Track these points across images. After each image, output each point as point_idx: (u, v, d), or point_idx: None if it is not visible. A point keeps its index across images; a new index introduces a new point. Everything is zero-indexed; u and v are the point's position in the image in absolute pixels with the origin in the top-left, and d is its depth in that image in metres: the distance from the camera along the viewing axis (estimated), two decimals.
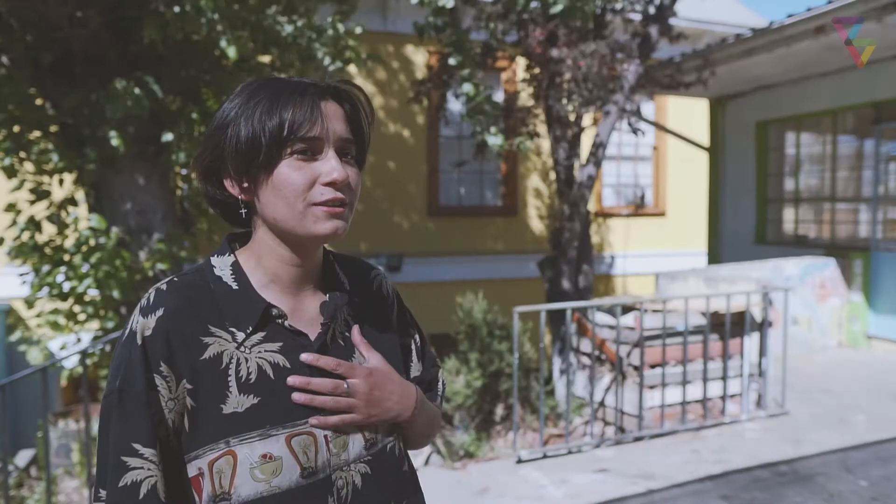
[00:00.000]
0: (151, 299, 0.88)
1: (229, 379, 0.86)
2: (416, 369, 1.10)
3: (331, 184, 0.87)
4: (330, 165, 0.87)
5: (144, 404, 0.84)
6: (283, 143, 0.85)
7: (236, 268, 0.93)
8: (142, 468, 0.83)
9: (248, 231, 0.97)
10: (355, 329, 0.97)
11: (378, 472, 0.94)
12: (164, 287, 0.89)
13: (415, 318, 1.14)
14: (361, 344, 0.96)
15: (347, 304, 0.98)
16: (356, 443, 0.92)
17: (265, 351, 0.89)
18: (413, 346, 1.10)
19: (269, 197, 0.87)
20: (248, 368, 0.87)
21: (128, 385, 0.84)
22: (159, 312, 0.86)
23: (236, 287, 0.91)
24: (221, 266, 0.93)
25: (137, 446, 0.83)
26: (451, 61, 4.71)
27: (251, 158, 0.86)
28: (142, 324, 0.86)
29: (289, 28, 4.33)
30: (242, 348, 0.88)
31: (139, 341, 0.85)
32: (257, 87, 0.89)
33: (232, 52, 3.91)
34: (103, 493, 0.85)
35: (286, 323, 0.90)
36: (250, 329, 0.88)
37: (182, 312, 0.87)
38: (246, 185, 0.89)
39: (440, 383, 1.15)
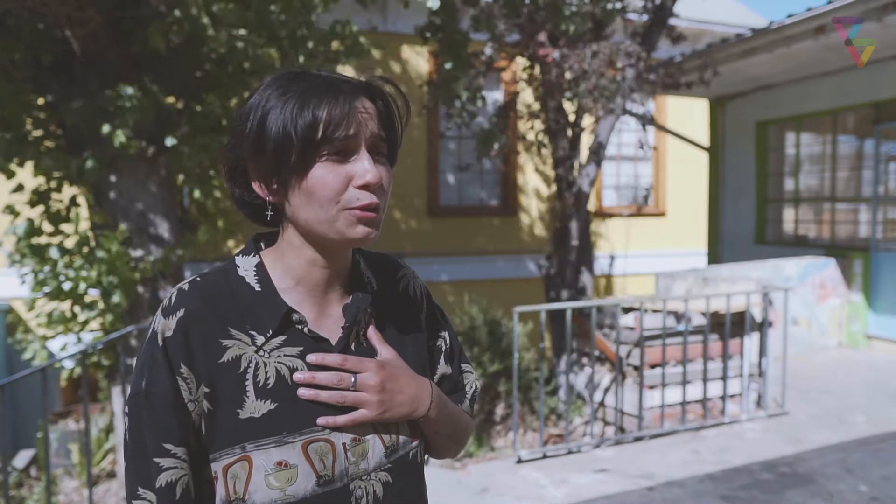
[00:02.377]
0: (173, 300, 0.86)
1: (247, 383, 0.85)
2: (442, 371, 1.06)
3: (364, 186, 0.83)
4: (363, 167, 0.83)
5: (172, 404, 0.83)
6: (317, 145, 0.82)
7: (260, 269, 0.90)
8: (175, 468, 0.83)
9: (274, 231, 0.94)
10: (371, 325, 0.95)
11: (399, 481, 0.91)
12: (186, 287, 0.88)
13: (448, 320, 1.09)
14: (375, 338, 0.93)
15: (372, 305, 0.95)
16: (376, 450, 0.89)
17: (285, 356, 0.87)
18: (443, 348, 1.06)
19: (300, 200, 0.84)
20: (266, 373, 0.85)
21: (154, 386, 0.83)
22: (180, 313, 0.85)
23: (259, 289, 0.89)
24: (245, 267, 0.91)
25: (169, 446, 0.83)
26: (448, 66, 4.71)
27: (282, 161, 0.83)
28: (163, 324, 0.85)
29: (282, 17, 4.31)
30: (262, 352, 0.86)
31: (160, 342, 0.84)
32: (288, 81, 0.85)
33: (259, 63, 3.93)
34: (142, 490, 0.83)
35: (306, 328, 0.88)
36: (270, 333, 0.86)
37: (202, 314, 0.85)
38: (275, 186, 0.86)
39: (470, 388, 1.09)
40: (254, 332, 0.86)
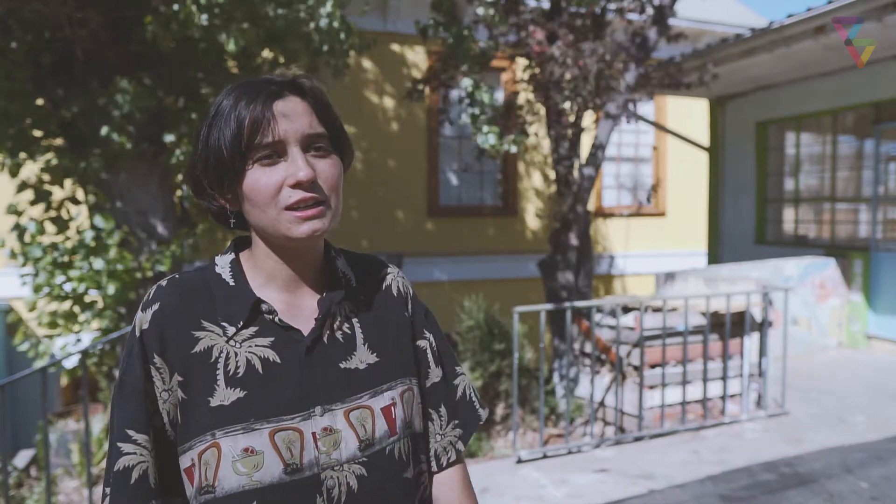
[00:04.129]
0: (151, 295, 0.91)
1: (217, 372, 0.87)
2: (435, 375, 1.05)
3: (296, 185, 0.85)
4: (295, 166, 0.85)
5: (141, 392, 0.87)
6: (243, 154, 0.85)
7: (235, 265, 0.94)
8: (134, 454, 0.86)
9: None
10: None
11: (375, 476, 0.90)
12: (164, 284, 0.92)
13: (434, 321, 1.09)
14: None
15: (351, 301, 0.97)
16: (349, 442, 0.89)
17: (255, 345, 0.89)
18: (429, 350, 1.05)
19: (245, 205, 0.89)
20: (236, 362, 0.88)
21: (127, 375, 0.88)
22: (155, 307, 0.89)
23: (232, 283, 0.92)
24: (222, 264, 0.95)
25: (131, 432, 0.86)
26: (454, 47, 4.69)
27: (221, 172, 0.87)
28: (140, 318, 0.89)
29: (287, 15, 4.30)
30: (232, 342, 0.89)
31: (137, 334, 0.89)
32: (223, 96, 0.89)
33: (231, 45, 3.90)
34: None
35: (276, 318, 0.90)
36: (241, 323, 0.89)
37: (176, 307, 0.89)
38: (228, 195, 0.90)
39: (473, 401, 1.08)
40: (225, 324, 0.90)
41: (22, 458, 5.33)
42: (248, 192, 0.86)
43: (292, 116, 0.86)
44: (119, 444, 0.86)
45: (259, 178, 0.86)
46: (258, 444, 0.85)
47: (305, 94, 0.90)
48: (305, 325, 0.92)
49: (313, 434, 0.87)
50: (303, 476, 0.86)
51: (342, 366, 0.93)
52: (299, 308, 0.94)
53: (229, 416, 0.85)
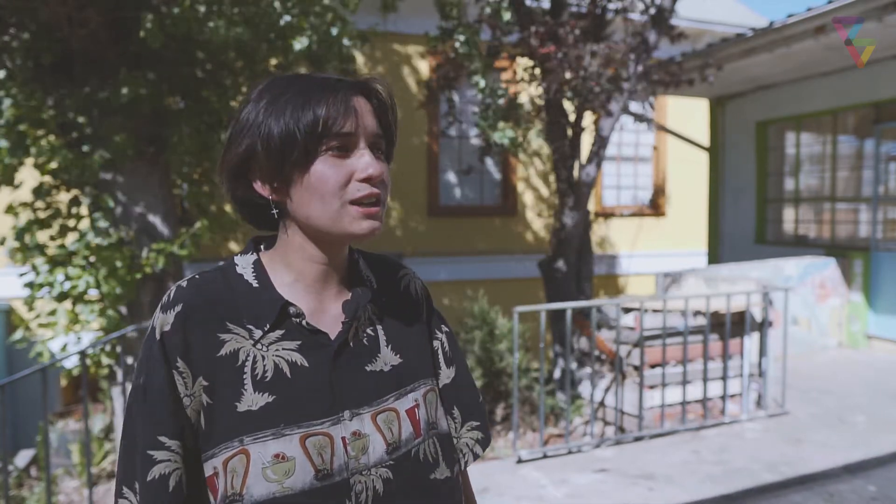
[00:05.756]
0: (172, 296, 0.87)
1: (245, 376, 0.85)
2: (445, 376, 1.05)
3: (367, 179, 0.85)
4: (365, 161, 0.85)
5: (168, 397, 0.84)
6: (317, 139, 0.83)
7: (258, 266, 0.92)
8: (169, 461, 0.83)
9: (273, 235, 0.95)
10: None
11: (400, 478, 0.90)
12: (184, 284, 0.89)
13: (444, 320, 1.09)
14: None
15: (373, 303, 0.96)
16: (377, 446, 0.88)
17: (283, 349, 0.87)
18: (441, 351, 1.05)
19: (302, 196, 0.85)
20: (264, 366, 0.86)
21: (150, 380, 0.85)
22: (178, 308, 0.86)
23: (256, 285, 0.90)
24: (244, 265, 0.92)
25: (163, 439, 0.83)
26: (462, 50, 4.72)
27: (285, 158, 0.84)
28: (161, 319, 0.86)
29: (286, 18, 4.31)
30: (259, 346, 0.86)
31: (158, 337, 0.85)
32: (285, 83, 0.87)
33: (220, 33, 3.88)
34: (126, 490, 0.85)
35: (304, 321, 0.89)
36: (268, 326, 0.87)
37: (200, 309, 0.86)
38: (277, 185, 0.87)
39: (484, 406, 1.08)
40: (251, 327, 0.87)
41: (22, 458, 5.33)
42: (315, 182, 0.84)
43: (364, 114, 0.87)
44: (150, 452, 0.82)
45: (328, 169, 0.84)
46: (289, 451, 0.83)
47: (371, 95, 0.90)
48: (330, 327, 0.91)
49: (343, 439, 0.86)
50: (333, 482, 0.84)
51: (368, 368, 0.92)
52: (323, 311, 0.92)
53: (258, 422, 0.83)
